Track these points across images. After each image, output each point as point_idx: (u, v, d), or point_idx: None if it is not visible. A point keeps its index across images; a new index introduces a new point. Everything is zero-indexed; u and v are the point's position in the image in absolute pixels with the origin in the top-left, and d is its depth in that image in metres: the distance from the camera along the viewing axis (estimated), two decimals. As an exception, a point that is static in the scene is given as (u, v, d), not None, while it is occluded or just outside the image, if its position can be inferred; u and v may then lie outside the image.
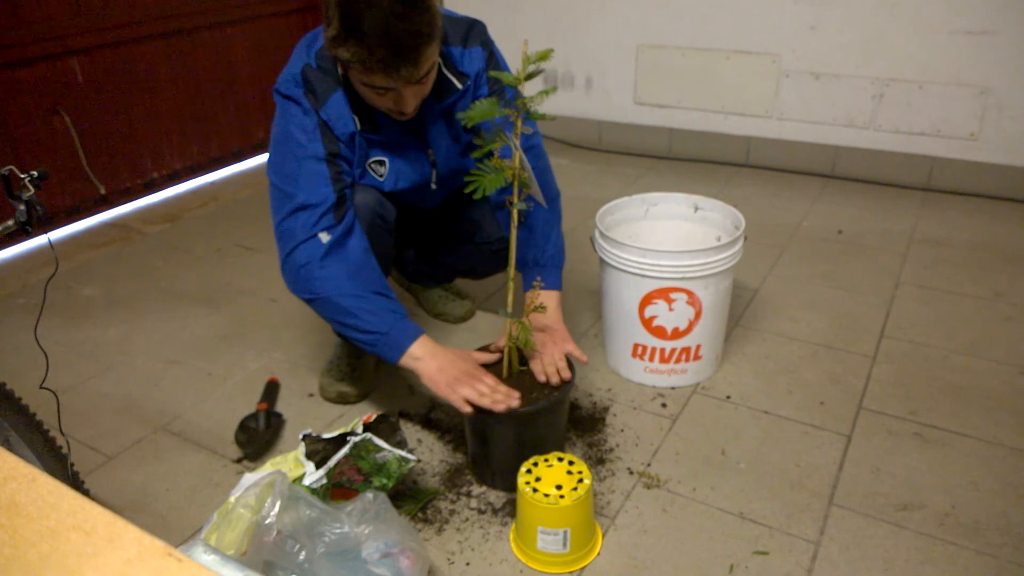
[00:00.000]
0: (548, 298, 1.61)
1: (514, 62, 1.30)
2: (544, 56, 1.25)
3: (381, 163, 1.59)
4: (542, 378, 1.46)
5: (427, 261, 2.02)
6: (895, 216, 2.69)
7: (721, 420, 1.67)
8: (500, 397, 1.38)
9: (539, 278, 1.58)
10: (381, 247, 1.63)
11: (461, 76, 1.56)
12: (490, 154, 1.34)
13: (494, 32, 1.67)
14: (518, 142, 1.33)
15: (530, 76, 1.26)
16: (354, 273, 1.45)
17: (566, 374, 1.47)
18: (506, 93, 1.61)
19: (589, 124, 3.47)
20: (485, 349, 1.56)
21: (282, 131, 1.49)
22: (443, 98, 1.55)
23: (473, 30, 1.59)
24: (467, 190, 1.32)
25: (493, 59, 1.61)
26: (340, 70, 1.46)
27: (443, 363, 1.43)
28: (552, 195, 1.68)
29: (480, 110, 1.30)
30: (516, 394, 1.39)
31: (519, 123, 1.32)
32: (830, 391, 1.76)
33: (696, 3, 3.03)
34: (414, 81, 1.37)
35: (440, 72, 1.51)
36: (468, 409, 1.38)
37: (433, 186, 1.69)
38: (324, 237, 1.44)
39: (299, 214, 1.44)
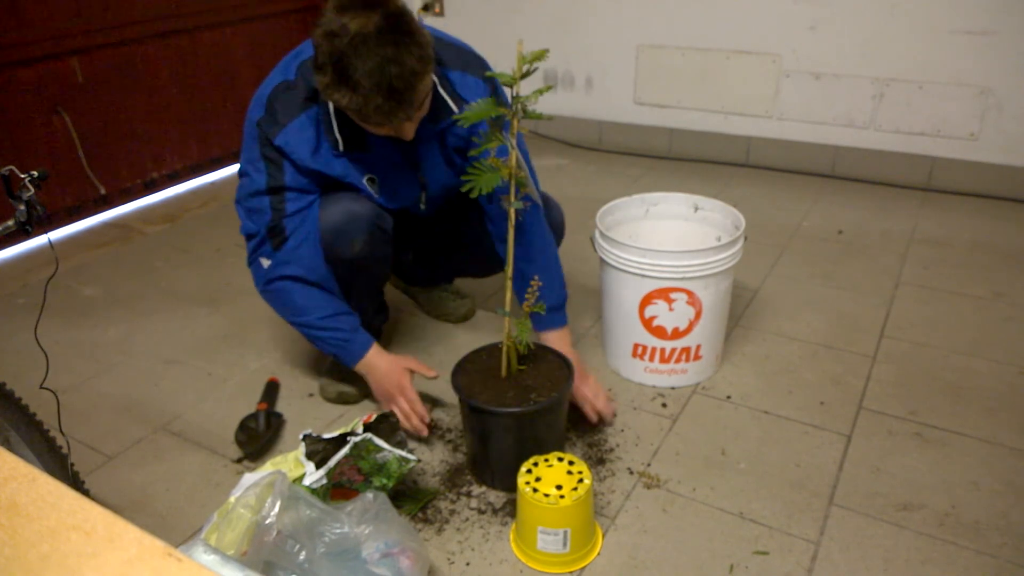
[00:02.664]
0: (562, 339, 1.65)
1: (511, 62, 1.29)
2: (539, 56, 1.25)
3: (372, 180, 1.58)
4: (594, 419, 1.62)
5: (426, 263, 2.02)
6: (895, 216, 2.69)
7: (721, 420, 1.67)
8: (415, 423, 1.58)
9: (536, 278, 1.55)
10: (380, 256, 1.64)
11: (458, 100, 1.52)
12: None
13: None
14: (515, 141, 1.33)
15: (524, 75, 1.26)
16: (298, 302, 1.57)
17: (609, 413, 1.63)
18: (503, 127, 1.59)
19: (589, 124, 3.47)
20: (486, 349, 1.57)
21: (242, 157, 1.55)
22: (438, 120, 1.52)
23: (475, 61, 1.57)
24: (464, 188, 1.32)
25: (496, 92, 1.57)
26: None
27: (380, 376, 1.61)
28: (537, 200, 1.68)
29: (477, 110, 1.30)
30: (424, 430, 1.59)
31: (516, 122, 1.32)
32: (830, 391, 1.76)
33: (696, 3, 3.03)
34: (412, 118, 1.38)
35: (436, 94, 1.49)
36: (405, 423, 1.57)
37: (422, 206, 1.68)
38: (264, 262, 1.55)
39: (248, 241, 1.57)
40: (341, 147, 1.49)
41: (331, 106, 1.46)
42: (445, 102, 1.51)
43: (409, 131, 1.42)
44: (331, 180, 1.54)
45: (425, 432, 1.59)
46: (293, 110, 1.47)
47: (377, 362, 1.61)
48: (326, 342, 1.59)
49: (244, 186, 1.54)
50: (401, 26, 1.29)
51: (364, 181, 1.57)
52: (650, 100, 3.29)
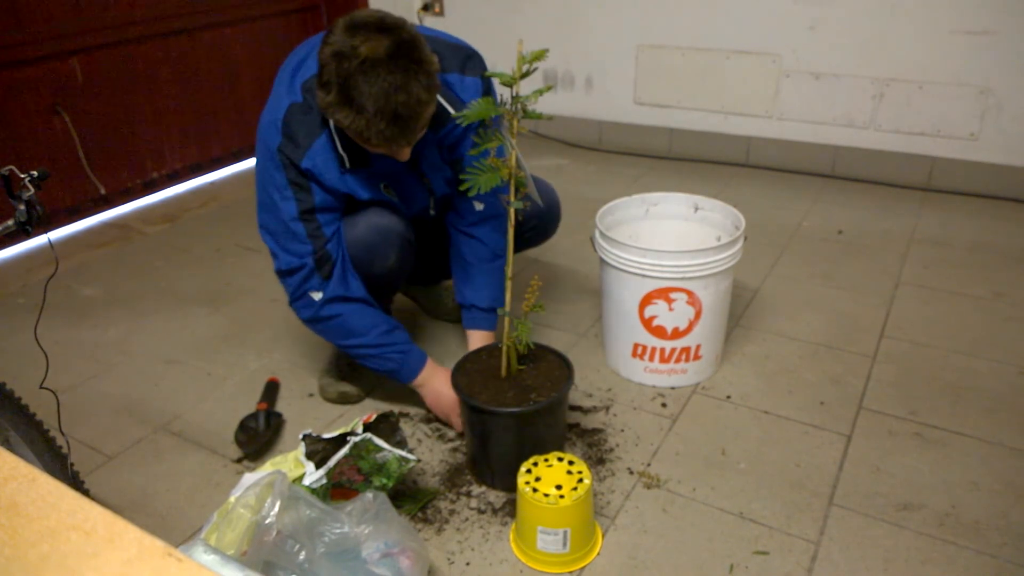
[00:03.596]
0: (486, 340, 1.71)
1: (511, 62, 1.29)
2: (539, 56, 1.25)
3: (388, 187, 1.58)
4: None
5: (427, 261, 2.02)
6: (895, 216, 2.69)
7: (721, 420, 1.67)
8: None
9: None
10: (408, 267, 1.67)
11: (457, 104, 1.52)
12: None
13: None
14: (515, 141, 1.33)
15: (525, 75, 1.26)
16: (353, 324, 1.55)
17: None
18: (493, 123, 1.60)
19: (589, 124, 3.47)
20: (486, 349, 1.57)
21: (261, 188, 1.52)
22: (439, 128, 1.52)
23: (471, 60, 1.56)
24: (462, 187, 1.32)
25: (490, 91, 1.58)
26: None
27: (443, 388, 1.60)
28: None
29: (476, 109, 1.30)
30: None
31: (515, 122, 1.32)
32: (830, 391, 1.76)
33: (696, 3, 3.03)
34: (412, 144, 1.38)
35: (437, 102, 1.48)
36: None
37: (432, 212, 1.69)
38: (316, 295, 1.52)
39: (287, 278, 1.53)
40: (347, 164, 1.48)
41: (332, 123, 1.45)
42: (444, 108, 1.50)
43: (406, 154, 1.42)
44: (353, 199, 1.54)
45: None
46: (313, 131, 1.45)
47: (437, 374, 1.62)
48: (383, 359, 1.58)
49: (273, 217, 1.50)
50: (412, 54, 1.29)
51: (381, 189, 1.57)
52: (650, 100, 3.29)
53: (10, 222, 1.19)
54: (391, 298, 1.80)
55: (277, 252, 1.52)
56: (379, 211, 1.56)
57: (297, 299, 1.54)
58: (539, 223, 1.82)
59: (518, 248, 1.82)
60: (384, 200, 1.58)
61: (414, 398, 1.77)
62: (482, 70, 1.56)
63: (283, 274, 1.53)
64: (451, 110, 1.51)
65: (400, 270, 1.63)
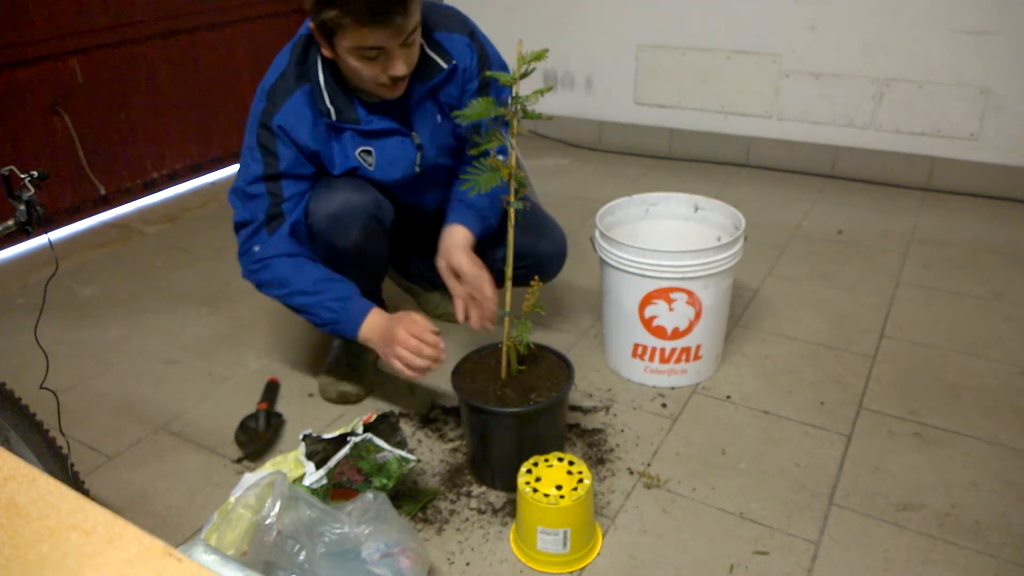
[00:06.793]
0: (463, 236, 1.59)
1: (510, 62, 1.29)
2: (539, 56, 1.25)
3: (368, 152, 1.58)
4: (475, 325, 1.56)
5: (428, 265, 2.01)
6: (895, 216, 2.68)
7: (721, 420, 1.67)
8: (428, 352, 1.44)
9: (536, 278, 1.56)
10: (377, 250, 1.63)
11: (445, 56, 1.56)
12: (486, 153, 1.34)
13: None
14: (515, 141, 1.33)
15: (524, 75, 1.26)
16: (289, 272, 1.53)
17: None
18: (492, 88, 1.61)
19: (589, 124, 3.47)
20: (486, 349, 1.56)
21: (242, 151, 1.58)
22: (427, 78, 1.55)
23: (457, 19, 1.60)
24: (462, 187, 1.31)
25: (483, 50, 1.61)
26: (320, 54, 1.47)
27: (384, 336, 1.48)
28: None
29: (476, 109, 1.30)
30: (441, 345, 1.46)
31: (515, 122, 1.32)
32: (830, 391, 1.76)
33: (696, 3, 3.03)
34: (406, 32, 1.37)
35: (423, 52, 1.52)
36: (409, 373, 1.46)
37: (416, 168, 1.65)
38: (256, 248, 1.56)
39: (239, 231, 1.58)
40: (333, 116, 1.50)
41: (321, 78, 1.49)
42: (434, 61, 1.55)
43: (400, 67, 1.41)
44: (327, 159, 1.55)
45: (442, 354, 1.45)
46: (289, 88, 1.50)
47: (387, 320, 1.49)
48: (321, 308, 1.50)
49: (241, 175, 1.56)
50: None
51: (358, 154, 1.57)
52: (650, 100, 3.29)
53: (10, 222, 1.19)
54: (378, 287, 1.78)
55: (237, 207, 1.57)
56: (351, 185, 1.55)
57: (243, 253, 1.58)
58: (535, 261, 1.72)
59: (514, 283, 1.66)
60: (359, 173, 1.58)
61: (414, 398, 1.77)
62: (468, 27, 1.61)
63: (237, 227, 1.58)
64: (441, 62, 1.55)
65: (365, 248, 1.58)
